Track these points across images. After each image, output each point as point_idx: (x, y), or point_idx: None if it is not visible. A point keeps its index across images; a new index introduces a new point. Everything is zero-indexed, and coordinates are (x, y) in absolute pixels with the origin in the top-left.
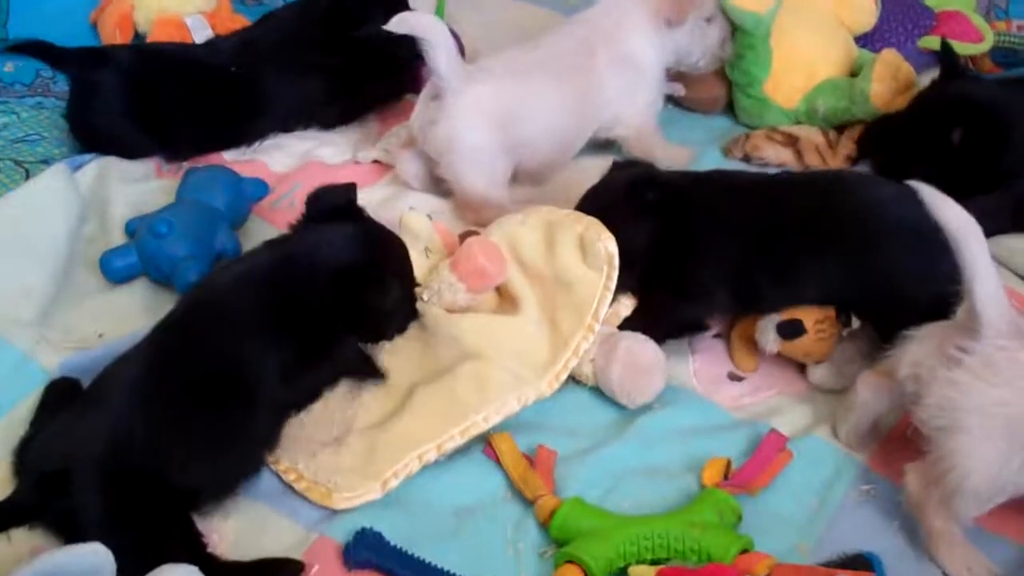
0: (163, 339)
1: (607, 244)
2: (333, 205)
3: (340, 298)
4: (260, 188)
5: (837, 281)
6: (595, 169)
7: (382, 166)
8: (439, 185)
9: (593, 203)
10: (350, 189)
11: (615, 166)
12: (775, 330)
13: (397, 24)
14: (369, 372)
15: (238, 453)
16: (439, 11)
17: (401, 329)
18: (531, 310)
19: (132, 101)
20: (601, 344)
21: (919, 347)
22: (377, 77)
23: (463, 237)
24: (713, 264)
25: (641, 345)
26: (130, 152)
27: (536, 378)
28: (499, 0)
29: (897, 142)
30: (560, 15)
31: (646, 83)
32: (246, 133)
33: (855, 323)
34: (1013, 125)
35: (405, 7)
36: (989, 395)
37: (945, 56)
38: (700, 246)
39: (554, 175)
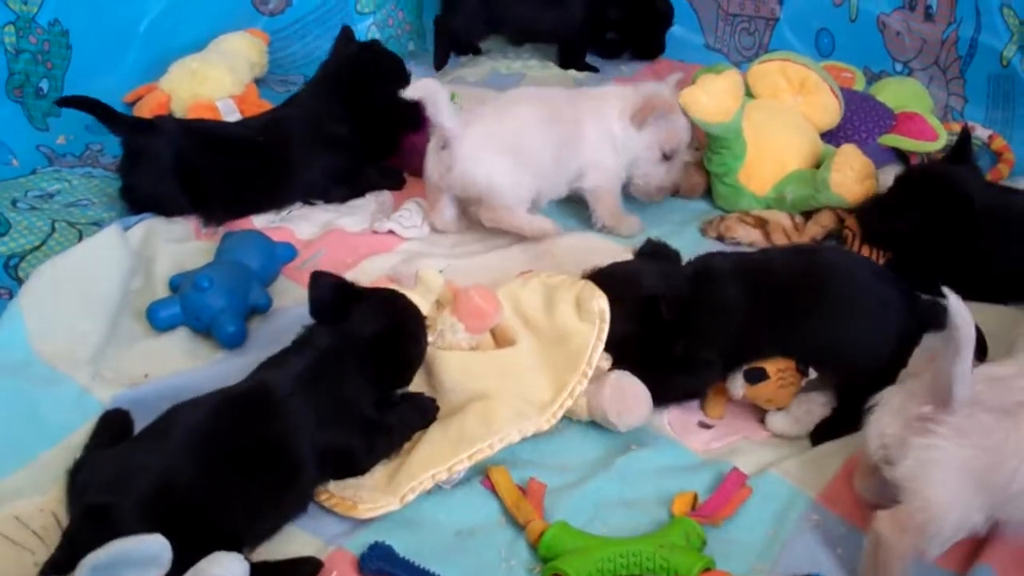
0: (228, 405)
1: (599, 302)
2: (336, 299)
3: (381, 361)
4: (289, 251)
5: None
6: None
7: (396, 236)
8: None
9: (607, 288)
10: (325, 276)
11: (642, 250)
12: (742, 376)
13: (410, 91)
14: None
15: (283, 511)
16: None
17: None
18: (529, 349)
19: (176, 166)
20: (592, 380)
21: (879, 424)
22: (380, 144)
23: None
24: (711, 344)
25: (627, 376)
26: (170, 211)
27: (536, 414)
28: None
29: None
30: None
31: (613, 155)
32: (274, 200)
33: (812, 373)
34: (984, 211)
35: (405, 79)
36: (961, 455)
37: (962, 142)
38: (702, 333)
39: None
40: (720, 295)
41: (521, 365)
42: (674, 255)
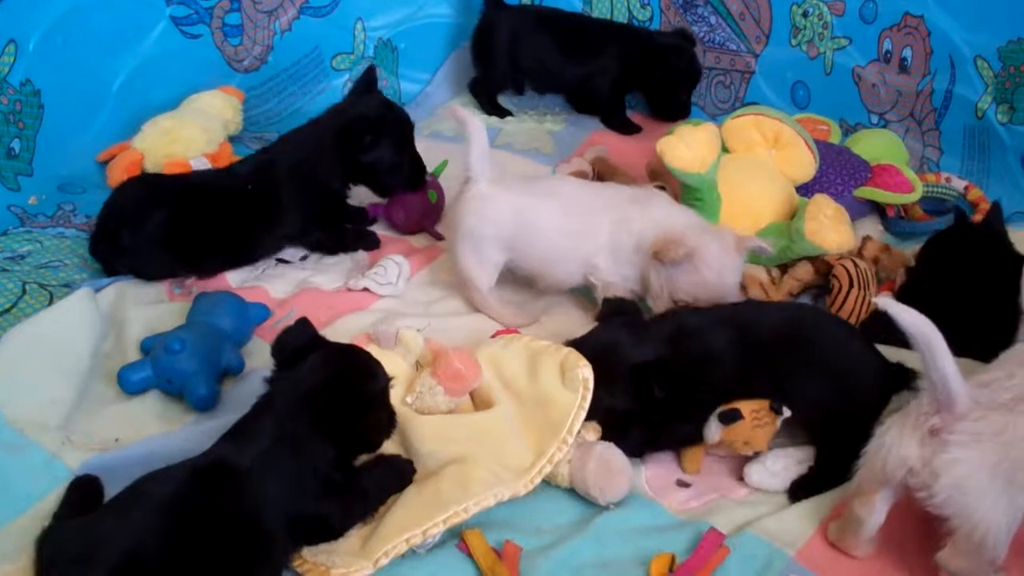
0: (195, 478)
1: (584, 371)
2: (297, 345)
3: (332, 411)
4: (262, 312)
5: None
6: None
7: (371, 294)
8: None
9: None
10: (306, 325)
11: (604, 313)
12: (716, 419)
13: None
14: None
15: None
16: (438, 170)
17: (388, 432)
18: (508, 412)
19: (168, 229)
20: (577, 449)
21: (900, 448)
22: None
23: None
24: (705, 394)
25: (612, 451)
26: (156, 274)
27: (513, 480)
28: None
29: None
30: (534, 163)
31: (627, 263)
32: (260, 245)
33: (786, 412)
34: None
35: (410, 143)
36: (986, 460)
37: (994, 214)
38: (693, 389)
39: (546, 285)
40: (706, 350)
41: (499, 429)
42: (633, 309)
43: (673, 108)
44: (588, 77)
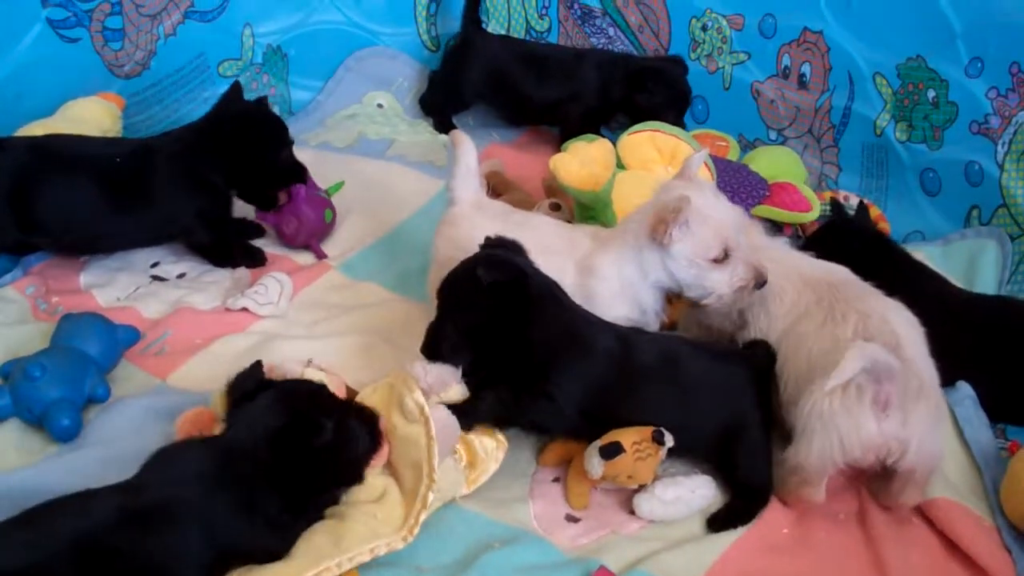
0: (120, 511)
1: (415, 397)
2: (246, 389)
3: (286, 457)
4: (131, 335)
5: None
6: None
7: (250, 314)
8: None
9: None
10: (256, 368)
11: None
12: (598, 453)
13: (450, 137)
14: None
15: None
16: (333, 190)
17: (341, 480)
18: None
19: (12, 191)
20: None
21: (857, 431)
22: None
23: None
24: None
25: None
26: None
27: (391, 533)
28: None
29: None
30: (427, 176)
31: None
32: (128, 232)
33: (669, 441)
34: None
35: (287, 143)
36: (928, 409)
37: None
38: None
39: None
40: (592, 341)
41: (376, 482)
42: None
43: None
44: (559, 103)
